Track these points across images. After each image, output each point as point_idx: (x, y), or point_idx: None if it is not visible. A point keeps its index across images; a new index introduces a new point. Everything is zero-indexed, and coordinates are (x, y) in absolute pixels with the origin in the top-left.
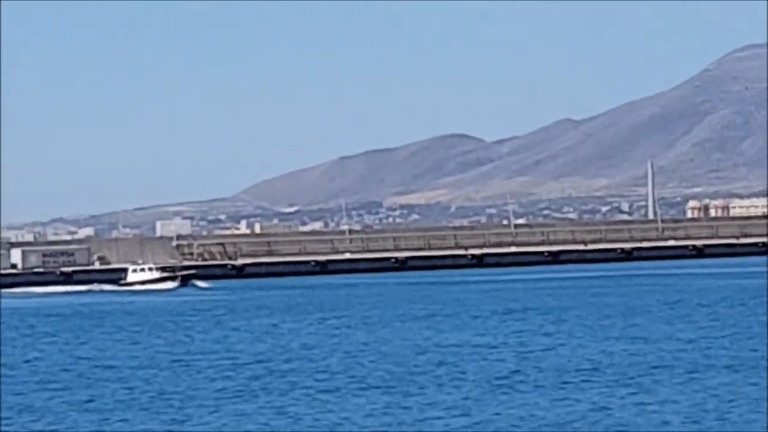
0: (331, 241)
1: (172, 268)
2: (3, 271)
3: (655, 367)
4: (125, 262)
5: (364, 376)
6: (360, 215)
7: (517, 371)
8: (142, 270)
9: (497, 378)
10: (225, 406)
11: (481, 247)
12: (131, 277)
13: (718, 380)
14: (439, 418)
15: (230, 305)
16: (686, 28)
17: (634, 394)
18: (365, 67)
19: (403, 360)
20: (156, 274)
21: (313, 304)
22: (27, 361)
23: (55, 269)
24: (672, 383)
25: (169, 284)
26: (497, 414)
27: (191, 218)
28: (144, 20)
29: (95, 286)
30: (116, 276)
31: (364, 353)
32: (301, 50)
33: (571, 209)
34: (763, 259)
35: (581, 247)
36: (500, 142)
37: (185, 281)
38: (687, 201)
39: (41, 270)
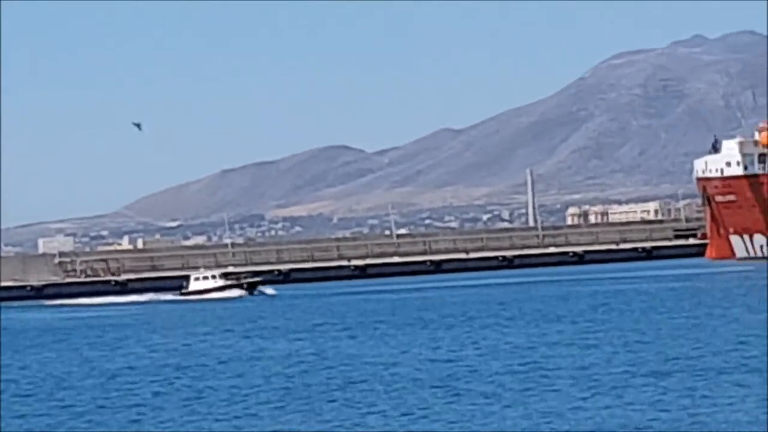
0: (214, 255)
1: (237, 276)
2: None
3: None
4: (7, 280)
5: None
6: (243, 228)
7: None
8: (205, 278)
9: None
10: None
11: (363, 258)
12: (193, 285)
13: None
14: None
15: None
16: (561, 37)
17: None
18: (245, 79)
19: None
20: (220, 282)
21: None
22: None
23: None
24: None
25: (235, 292)
26: None
27: (73, 235)
28: (28, 34)
29: (154, 296)
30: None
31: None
32: (182, 65)
33: (453, 218)
34: (642, 264)
35: (463, 255)
36: (381, 152)
37: (251, 288)
38: (567, 208)
39: None
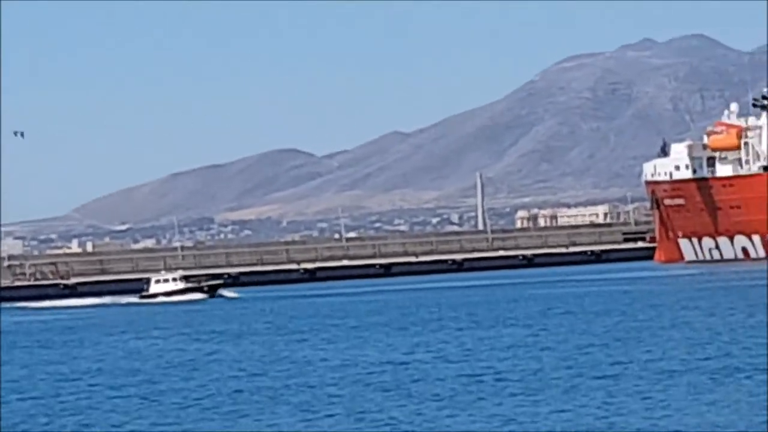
0: (164, 258)
1: (198, 279)
2: None
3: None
4: None
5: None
6: (192, 232)
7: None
8: (166, 281)
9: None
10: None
11: (313, 261)
12: (154, 288)
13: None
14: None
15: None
16: (511, 40)
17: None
18: (195, 82)
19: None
20: (181, 285)
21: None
22: None
23: None
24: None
25: (196, 295)
26: None
27: (23, 238)
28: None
29: (115, 299)
30: None
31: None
32: (131, 68)
33: (402, 221)
34: (591, 267)
35: (412, 259)
36: (330, 156)
37: (212, 292)
38: (516, 211)
39: None
